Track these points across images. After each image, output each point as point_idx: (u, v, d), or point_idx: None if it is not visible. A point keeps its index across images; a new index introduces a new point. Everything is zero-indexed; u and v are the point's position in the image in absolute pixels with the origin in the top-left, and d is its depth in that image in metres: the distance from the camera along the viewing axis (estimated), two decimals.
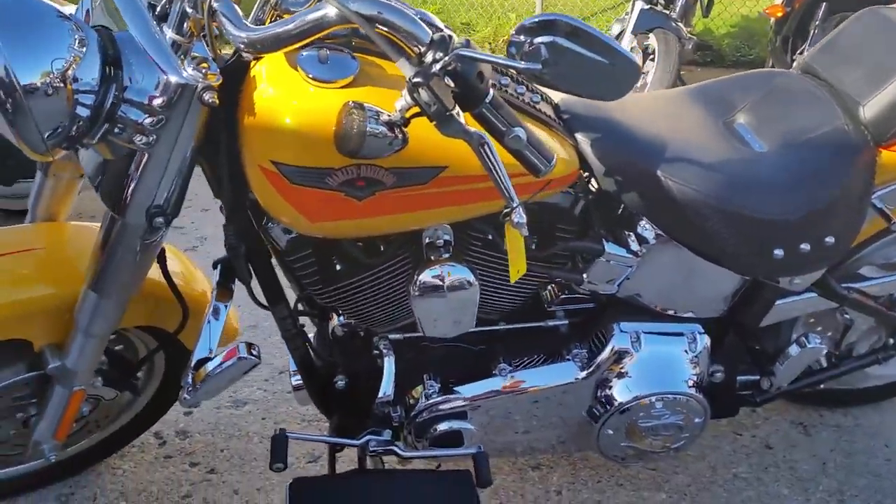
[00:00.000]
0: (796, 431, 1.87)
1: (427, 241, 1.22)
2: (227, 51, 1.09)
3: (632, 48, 3.73)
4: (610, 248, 1.34)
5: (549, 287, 1.44)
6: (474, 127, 0.93)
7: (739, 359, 1.59)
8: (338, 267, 1.27)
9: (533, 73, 0.91)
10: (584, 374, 1.41)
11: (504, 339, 1.45)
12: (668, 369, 1.42)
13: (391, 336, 1.40)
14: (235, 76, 1.07)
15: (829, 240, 1.33)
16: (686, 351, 1.44)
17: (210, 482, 1.70)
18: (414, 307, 1.26)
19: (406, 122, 0.95)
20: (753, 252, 1.32)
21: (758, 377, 1.63)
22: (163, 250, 1.25)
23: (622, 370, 1.41)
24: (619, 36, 3.76)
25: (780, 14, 3.71)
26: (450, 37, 0.91)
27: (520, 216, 0.95)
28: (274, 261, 1.30)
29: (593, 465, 1.75)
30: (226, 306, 1.27)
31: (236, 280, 1.30)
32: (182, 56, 1.01)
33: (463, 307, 1.27)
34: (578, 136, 1.29)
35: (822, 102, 1.39)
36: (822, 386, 1.72)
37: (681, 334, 1.45)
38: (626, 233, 1.37)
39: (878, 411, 1.92)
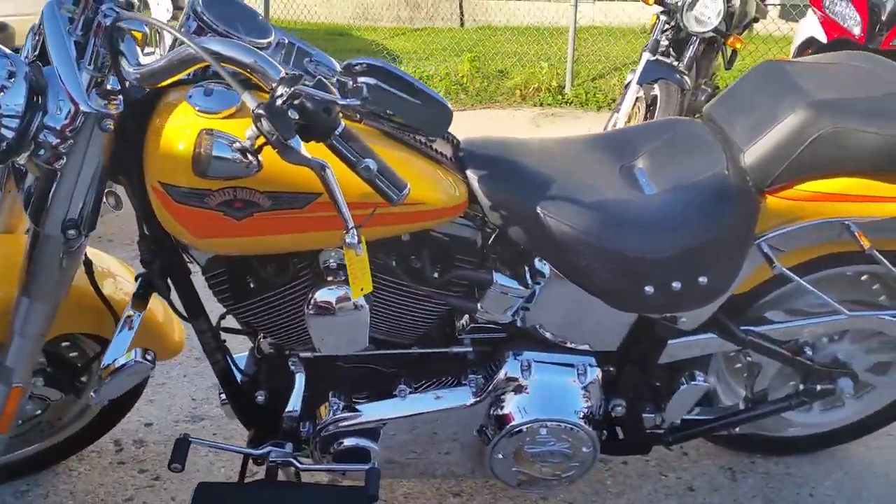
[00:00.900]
0: (723, 476, 1.88)
1: (324, 263, 1.34)
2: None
3: (637, 98, 3.83)
4: (499, 278, 1.43)
5: (465, 316, 1.54)
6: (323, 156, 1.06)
7: (646, 396, 1.64)
8: (250, 285, 1.40)
9: (352, 107, 1.03)
10: (475, 398, 1.50)
11: (410, 363, 1.54)
12: (555, 397, 1.49)
13: (302, 354, 1.51)
14: (149, 107, 1.23)
15: (703, 280, 1.39)
16: (575, 381, 1.50)
17: (153, 488, 1.83)
18: (308, 325, 1.38)
19: (259, 149, 1.08)
20: (625, 288, 1.39)
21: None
22: (89, 260, 1.41)
23: (511, 396, 1.49)
24: (628, 86, 3.87)
25: None
26: (299, 76, 1.04)
27: (352, 237, 1.07)
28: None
29: (513, 494, 1.80)
30: (139, 315, 1.41)
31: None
32: (94, 88, 1.17)
33: (353, 328, 1.38)
34: (469, 172, 1.39)
35: (711, 149, 1.47)
36: (738, 429, 1.74)
37: (572, 365, 1.51)
38: (520, 265, 1.47)
39: (811, 462, 1.92)
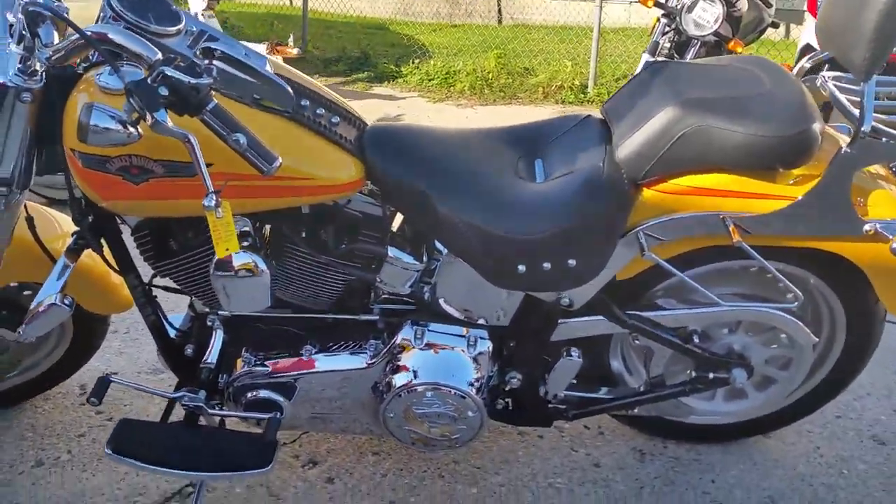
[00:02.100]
0: (632, 456, 1.97)
1: None
2: None
3: None
4: (394, 253, 1.57)
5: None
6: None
7: (540, 371, 1.74)
8: (171, 247, 1.56)
9: (202, 85, 1.17)
10: (371, 361, 1.63)
11: (320, 327, 1.68)
12: (442, 364, 1.61)
13: (220, 312, 1.67)
14: (71, 82, 1.39)
15: (571, 262, 1.49)
16: (463, 351, 1.62)
17: (104, 427, 2.03)
18: (213, 285, 1.53)
19: (136, 121, 1.23)
20: (501, 266, 1.50)
21: (578, 393, 1.79)
22: (31, 217, 1.59)
23: (402, 361, 1.61)
24: None
25: None
26: (171, 58, 1.19)
27: (209, 200, 1.21)
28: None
29: (426, 457, 1.93)
30: (71, 266, 1.58)
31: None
32: (21, 64, 1.34)
33: (253, 290, 1.52)
34: (367, 153, 1.52)
35: (596, 143, 1.56)
36: (635, 410, 1.83)
37: (462, 336, 1.63)
38: (419, 242, 1.59)
39: (723, 451, 1.98)
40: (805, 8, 3.45)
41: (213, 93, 1.23)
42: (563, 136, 1.65)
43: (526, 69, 6.51)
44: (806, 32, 3.58)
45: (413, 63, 6.71)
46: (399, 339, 1.62)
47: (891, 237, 1.47)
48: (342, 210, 1.57)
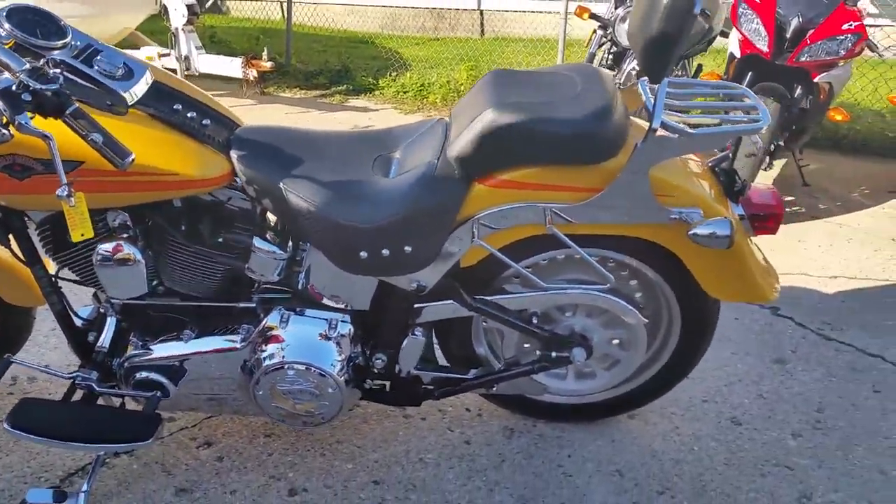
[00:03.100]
0: (502, 434, 2.14)
1: (111, 221, 1.69)
2: None
3: None
4: (258, 243, 1.75)
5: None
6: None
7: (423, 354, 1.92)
8: (69, 240, 1.76)
9: (50, 90, 1.37)
10: (241, 343, 1.82)
11: (200, 313, 1.87)
12: (303, 345, 1.79)
13: (113, 300, 1.86)
14: None
15: (408, 249, 1.67)
16: (324, 333, 1.80)
17: None
18: (97, 273, 1.73)
19: (7, 123, 1.42)
20: (346, 253, 1.69)
21: (439, 373, 1.96)
22: None
23: (268, 342, 1.80)
24: None
25: None
26: (34, 70, 1.39)
27: (62, 191, 1.41)
28: None
29: (312, 438, 2.11)
30: None
31: None
32: None
33: (130, 276, 1.72)
34: (233, 153, 1.71)
35: (438, 143, 1.74)
36: (495, 388, 1.99)
37: (325, 320, 1.81)
38: (285, 233, 1.78)
39: (586, 430, 2.15)
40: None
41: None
42: (417, 137, 1.83)
43: None
44: (732, 41, 3.74)
45: (390, 76, 6.92)
46: (266, 322, 1.81)
47: (690, 223, 1.64)
48: (213, 203, 1.76)
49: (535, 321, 1.88)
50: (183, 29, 5.99)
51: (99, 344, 1.87)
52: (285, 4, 7.63)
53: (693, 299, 1.87)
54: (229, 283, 1.85)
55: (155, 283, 1.83)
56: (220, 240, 1.76)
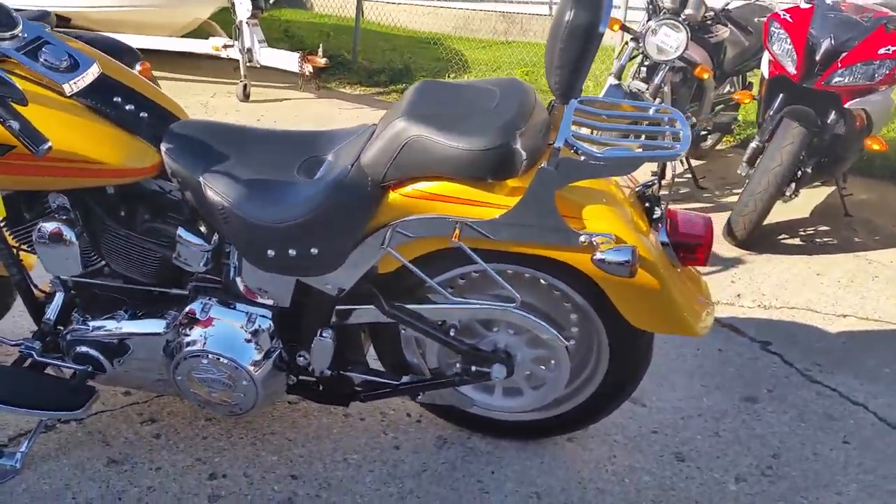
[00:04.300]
0: (433, 443, 2.12)
1: (51, 202, 1.79)
2: None
3: None
4: (182, 233, 1.81)
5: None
6: None
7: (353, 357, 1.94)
8: (23, 216, 1.88)
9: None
10: (164, 328, 1.88)
11: (137, 295, 1.95)
12: (218, 335, 1.83)
13: (62, 277, 1.96)
14: None
15: (314, 251, 1.69)
16: (241, 326, 1.84)
17: None
18: (36, 248, 1.83)
19: None
20: (255, 249, 1.72)
21: (367, 376, 1.98)
22: None
23: (187, 330, 1.85)
24: None
25: None
26: None
27: None
28: None
29: (248, 427, 2.16)
30: None
31: None
32: None
33: (64, 255, 1.81)
34: (163, 145, 1.78)
35: (356, 149, 1.75)
36: (420, 397, 1.98)
37: (243, 313, 1.85)
38: (210, 225, 1.84)
39: (519, 448, 2.10)
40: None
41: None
42: (348, 141, 1.85)
43: None
44: (763, 61, 3.58)
45: (449, 77, 6.96)
46: (187, 310, 1.87)
47: (595, 248, 1.58)
48: (143, 192, 1.83)
49: (452, 333, 1.86)
50: (247, 22, 6.19)
51: (46, 316, 1.98)
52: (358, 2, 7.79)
53: (619, 327, 1.80)
54: (166, 270, 1.91)
55: (102, 263, 1.92)
56: (149, 227, 1.83)
